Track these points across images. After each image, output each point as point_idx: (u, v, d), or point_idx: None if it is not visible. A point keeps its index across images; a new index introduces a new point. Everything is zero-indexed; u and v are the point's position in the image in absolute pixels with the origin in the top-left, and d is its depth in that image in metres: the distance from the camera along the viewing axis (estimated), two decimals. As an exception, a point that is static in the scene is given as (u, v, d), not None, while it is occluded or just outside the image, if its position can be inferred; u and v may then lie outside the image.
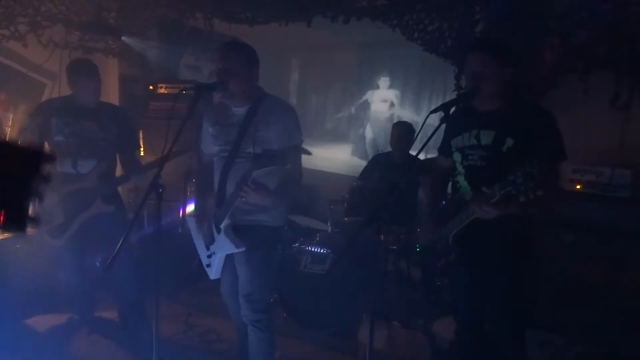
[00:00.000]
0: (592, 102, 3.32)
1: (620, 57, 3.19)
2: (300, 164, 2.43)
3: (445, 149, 2.49)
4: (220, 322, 2.81)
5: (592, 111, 3.35)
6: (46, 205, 2.94)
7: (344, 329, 3.39)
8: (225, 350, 3.12)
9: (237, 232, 2.39)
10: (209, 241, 2.48)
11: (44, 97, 4.39)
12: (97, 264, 3.58)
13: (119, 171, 3.27)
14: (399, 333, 3.39)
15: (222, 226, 2.38)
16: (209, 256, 2.50)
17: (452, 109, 2.13)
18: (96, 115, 3.05)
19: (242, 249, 2.36)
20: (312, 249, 3.58)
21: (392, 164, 4.10)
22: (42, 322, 3.38)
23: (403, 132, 4.05)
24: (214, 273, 2.52)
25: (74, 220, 3.01)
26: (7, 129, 4.03)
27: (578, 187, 3.28)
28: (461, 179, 2.37)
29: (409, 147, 4.00)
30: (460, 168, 2.37)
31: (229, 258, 2.48)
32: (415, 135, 2.06)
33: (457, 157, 2.38)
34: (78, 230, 3.05)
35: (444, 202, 2.53)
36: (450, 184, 2.51)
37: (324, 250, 3.56)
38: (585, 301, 3.08)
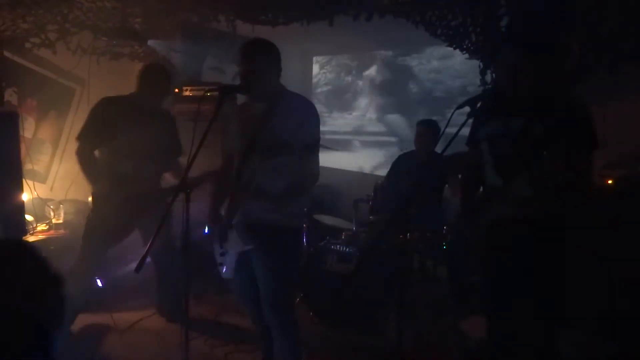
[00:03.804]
0: (622, 95, 3.24)
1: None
2: (316, 162, 2.37)
3: (473, 139, 2.45)
4: (249, 321, 2.84)
5: (622, 104, 3.27)
6: (107, 210, 3.01)
7: (371, 328, 3.37)
8: (253, 350, 3.14)
9: (252, 231, 2.34)
10: (222, 239, 2.46)
11: (74, 102, 4.49)
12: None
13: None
14: (427, 332, 3.36)
15: (233, 222, 2.36)
16: (222, 254, 2.47)
17: (479, 105, 2.10)
18: (153, 118, 3.13)
19: (248, 248, 2.32)
20: (338, 248, 3.58)
21: (417, 162, 4.07)
22: (75, 322, 3.44)
23: (427, 130, 4.01)
24: (226, 273, 2.48)
25: (132, 225, 3.10)
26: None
27: (610, 182, 3.21)
28: (490, 169, 2.31)
29: (434, 145, 3.96)
30: (488, 157, 2.32)
31: (242, 259, 2.42)
32: (441, 132, 2.03)
33: (484, 146, 2.32)
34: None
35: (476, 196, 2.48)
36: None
37: (350, 249, 3.56)
38: (617, 299, 3.01)
